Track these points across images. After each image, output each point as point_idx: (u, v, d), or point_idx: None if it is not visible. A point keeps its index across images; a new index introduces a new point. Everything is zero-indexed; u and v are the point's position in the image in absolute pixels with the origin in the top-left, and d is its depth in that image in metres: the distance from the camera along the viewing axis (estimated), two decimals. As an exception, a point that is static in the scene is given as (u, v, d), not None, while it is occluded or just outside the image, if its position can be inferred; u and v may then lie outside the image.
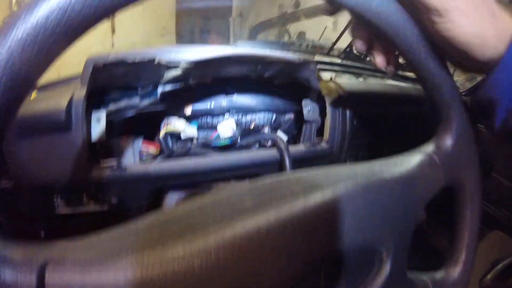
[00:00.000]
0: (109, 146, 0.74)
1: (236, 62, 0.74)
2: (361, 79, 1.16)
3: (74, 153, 0.63)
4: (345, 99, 0.84)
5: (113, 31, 4.13)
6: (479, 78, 1.22)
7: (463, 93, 1.21)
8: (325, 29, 4.85)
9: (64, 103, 0.60)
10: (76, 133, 0.62)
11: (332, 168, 0.38)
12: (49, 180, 0.66)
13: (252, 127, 1.04)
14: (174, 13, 4.73)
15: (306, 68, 0.84)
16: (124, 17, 4.32)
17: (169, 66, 0.72)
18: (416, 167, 0.40)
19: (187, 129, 0.84)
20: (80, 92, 0.63)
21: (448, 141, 0.42)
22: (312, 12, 5.00)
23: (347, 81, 0.93)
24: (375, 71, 1.38)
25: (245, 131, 1.03)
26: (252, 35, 5.40)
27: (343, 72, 1.24)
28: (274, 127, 1.05)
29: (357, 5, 0.34)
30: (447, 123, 0.42)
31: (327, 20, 4.81)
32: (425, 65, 0.39)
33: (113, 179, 0.66)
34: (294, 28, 5.22)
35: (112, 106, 0.79)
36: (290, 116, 1.04)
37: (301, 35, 5.13)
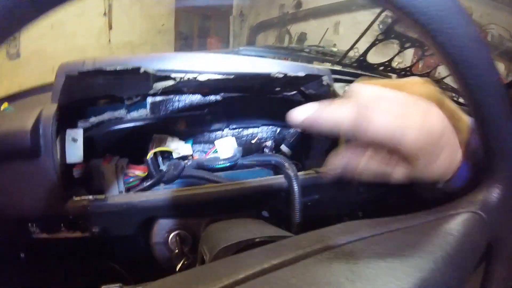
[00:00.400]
0: (88, 170, 0.63)
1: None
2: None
3: (45, 182, 0.53)
4: None
5: (110, 27, 4.03)
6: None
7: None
8: (326, 31, 4.79)
9: (29, 123, 0.49)
10: (46, 159, 0.52)
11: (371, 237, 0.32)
12: (19, 211, 0.55)
13: (254, 141, 0.94)
14: (173, 11, 4.63)
15: (319, 82, 0.73)
16: (122, 14, 4.21)
17: (158, 76, 0.61)
18: (466, 234, 0.33)
19: (180, 147, 0.73)
20: (49, 108, 0.52)
21: (496, 194, 0.36)
22: (314, 13, 4.93)
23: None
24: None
25: (246, 145, 0.93)
26: (252, 35, 5.32)
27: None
28: (277, 141, 0.95)
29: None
30: (499, 174, 0.36)
31: (329, 22, 4.75)
32: (487, 106, 0.31)
33: (92, 210, 0.55)
34: (294, 29, 5.15)
35: (93, 119, 0.68)
36: (295, 129, 0.94)
37: (302, 36, 5.06)
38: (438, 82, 1.29)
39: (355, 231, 0.34)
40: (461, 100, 1.44)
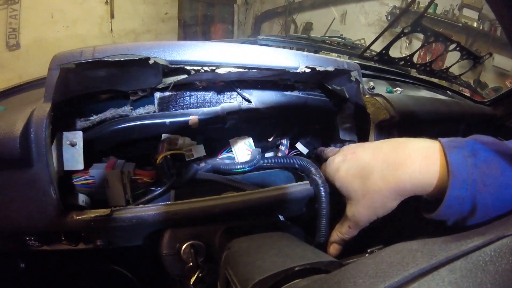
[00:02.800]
0: (89, 177, 0.55)
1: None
2: (398, 89, 0.98)
3: (40, 195, 0.45)
4: (395, 121, 0.64)
5: (112, 16, 3.92)
6: (503, 90, 1.15)
7: (487, 103, 1.09)
8: (333, 20, 4.68)
9: (17, 128, 0.41)
10: (39, 169, 0.44)
11: None
12: (13, 227, 0.48)
13: (270, 139, 0.86)
14: (176, -1, 4.52)
15: (346, 77, 0.65)
16: (124, 2, 4.10)
17: (170, 68, 0.52)
18: None
19: (192, 149, 0.65)
20: (42, 109, 0.44)
21: None
22: (321, 2, 4.82)
23: (396, 96, 0.73)
24: (410, 78, 1.20)
25: (261, 143, 0.85)
26: (257, 24, 5.21)
27: (375, 77, 1.05)
28: (294, 138, 0.88)
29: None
30: None
31: (335, 12, 4.65)
32: None
33: (96, 226, 0.48)
34: (300, 18, 5.05)
35: (94, 118, 0.60)
36: (313, 126, 0.86)
37: (308, 25, 4.96)
38: (456, 78, 1.22)
39: (411, 262, 0.31)
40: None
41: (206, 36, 4.90)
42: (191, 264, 0.54)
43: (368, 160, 0.50)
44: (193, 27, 4.85)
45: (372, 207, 0.50)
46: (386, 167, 0.47)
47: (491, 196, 0.39)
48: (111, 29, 3.95)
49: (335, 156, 0.56)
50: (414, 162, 0.45)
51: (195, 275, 0.53)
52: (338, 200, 0.62)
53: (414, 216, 0.62)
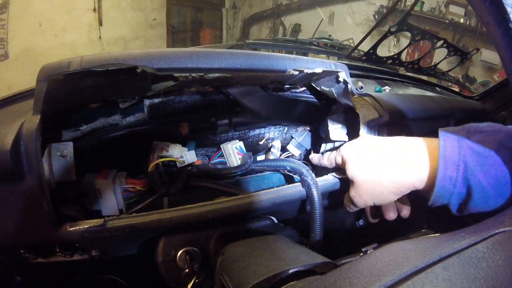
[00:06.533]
0: (81, 187, 0.55)
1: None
2: (387, 87, 0.98)
3: (33, 207, 0.45)
4: (384, 120, 0.65)
5: (100, 23, 3.91)
6: (492, 84, 1.16)
7: (476, 98, 1.11)
8: (321, 21, 4.70)
9: (8, 141, 0.41)
10: (31, 181, 0.44)
11: None
12: (6, 240, 0.48)
13: (261, 142, 0.86)
14: (164, 4, 4.52)
15: (334, 78, 0.65)
16: (112, 9, 4.08)
17: (158, 75, 0.52)
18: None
19: (184, 155, 0.65)
20: (31, 121, 0.44)
21: None
22: (308, 4, 4.84)
23: (384, 96, 0.74)
24: (398, 76, 1.21)
25: (252, 146, 0.85)
26: (246, 27, 5.22)
27: (364, 77, 1.06)
28: (285, 140, 0.88)
29: None
30: None
31: (323, 13, 4.67)
32: None
33: (90, 236, 0.48)
34: (288, 20, 5.07)
35: (84, 127, 0.60)
36: (304, 127, 0.87)
37: (296, 27, 4.98)
38: (444, 74, 1.24)
39: (405, 261, 0.31)
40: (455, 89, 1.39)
41: (195, 41, 4.90)
42: (187, 270, 0.54)
43: (377, 151, 0.52)
44: (181, 33, 4.85)
45: (370, 193, 0.53)
46: (389, 159, 0.50)
47: (485, 175, 0.41)
48: (100, 37, 3.94)
49: (355, 140, 0.59)
50: (413, 156, 0.48)
51: (192, 282, 0.53)
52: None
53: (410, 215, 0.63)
